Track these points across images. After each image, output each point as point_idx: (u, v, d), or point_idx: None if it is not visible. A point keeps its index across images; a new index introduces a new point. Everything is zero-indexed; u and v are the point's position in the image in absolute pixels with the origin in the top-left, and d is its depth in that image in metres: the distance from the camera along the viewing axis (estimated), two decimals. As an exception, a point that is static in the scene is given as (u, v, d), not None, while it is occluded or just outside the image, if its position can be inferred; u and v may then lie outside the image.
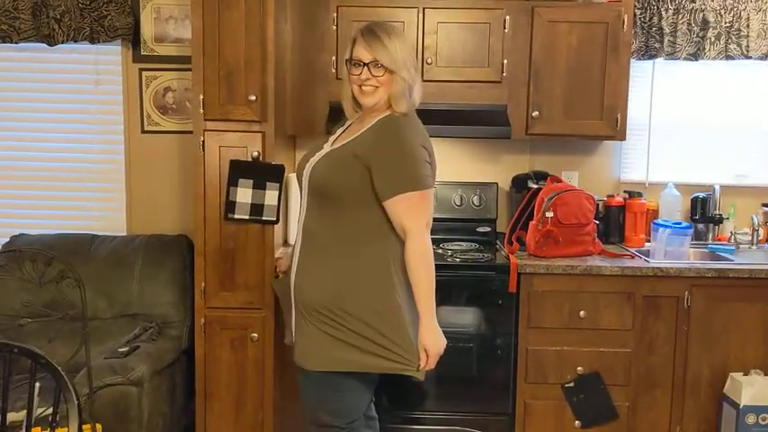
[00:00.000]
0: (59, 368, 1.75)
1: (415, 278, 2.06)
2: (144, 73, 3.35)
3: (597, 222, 3.13)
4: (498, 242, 3.24)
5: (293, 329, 2.25)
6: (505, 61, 3.06)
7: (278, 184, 2.78)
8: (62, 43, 3.23)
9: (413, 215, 2.04)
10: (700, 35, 3.29)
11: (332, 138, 2.28)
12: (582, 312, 2.85)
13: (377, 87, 2.11)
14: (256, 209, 2.75)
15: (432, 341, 2.08)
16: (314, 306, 2.12)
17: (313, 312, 2.12)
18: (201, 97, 2.71)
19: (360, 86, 2.13)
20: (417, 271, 2.05)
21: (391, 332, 2.08)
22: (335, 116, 3.02)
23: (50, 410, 1.82)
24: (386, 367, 2.10)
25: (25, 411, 1.90)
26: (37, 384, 1.96)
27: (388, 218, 2.07)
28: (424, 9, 3.04)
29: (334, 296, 2.09)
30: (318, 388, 2.18)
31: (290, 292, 2.23)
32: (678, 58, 3.31)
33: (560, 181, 3.15)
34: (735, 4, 3.26)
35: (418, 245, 2.05)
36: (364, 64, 2.10)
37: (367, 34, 2.11)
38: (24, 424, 1.86)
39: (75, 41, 3.24)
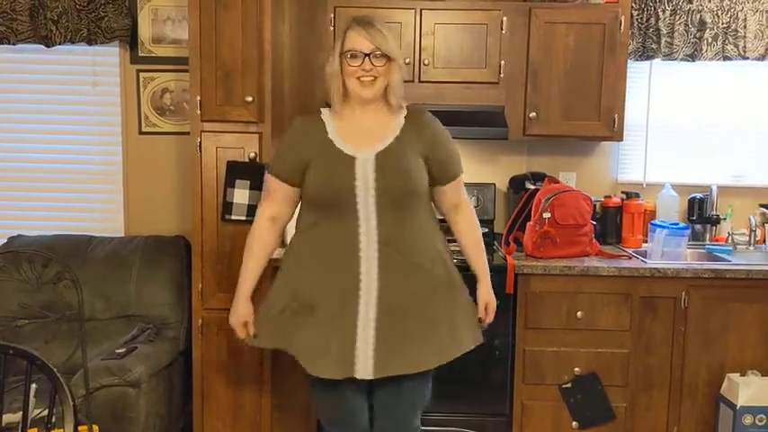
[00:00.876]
0: (54, 369, 1.75)
1: (478, 236, 2.29)
2: (141, 74, 3.35)
3: (594, 223, 3.14)
4: (496, 243, 3.24)
5: (372, 351, 2.06)
6: (503, 62, 3.06)
7: (275, 186, 2.77)
8: (59, 44, 3.23)
9: (464, 190, 2.30)
10: (697, 36, 3.29)
11: (338, 138, 2.11)
12: (579, 313, 2.85)
13: (376, 78, 2.07)
14: (253, 210, 2.73)
15: (492, 297, 2.27)
16: (428, 311, 2.13)
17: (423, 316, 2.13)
18: (198, 98, 2.72)
19: (359, 78, 2.07)
20: (479, 230, 2.30)
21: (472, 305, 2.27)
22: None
23: (46, 412, 1.82)
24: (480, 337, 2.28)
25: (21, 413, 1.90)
26: (33, 386, 1.96)
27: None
28: (421, 10, 3.05)
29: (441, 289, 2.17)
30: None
31: (358, 311, 2.07)
32: (675, 59, 3.32)
33: (557, 182, 3.15)
34: (732, 5, 3.26)
35: (472, 208, 2.31)
36: (365, 54, 2.05)
37: (364, 24, 2.07)
38: (20, 425, 1.86)
39: (73, 43, 3.24)
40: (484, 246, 2.31)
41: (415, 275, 2.11)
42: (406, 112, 2.16)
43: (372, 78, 2.07)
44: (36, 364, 1.76)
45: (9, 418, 2.17)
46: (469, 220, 2.28)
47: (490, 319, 2.27)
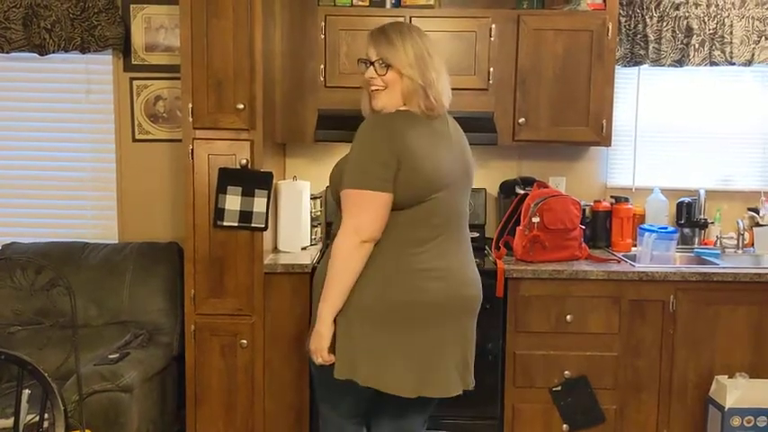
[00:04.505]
0: (46, 374, 1.77)
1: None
2: (135, 82, 3.38)
3: (584, 227, 3.16)
4: (486, 247, 3.27)
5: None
6: (492, 69, 3.09)
7: (266, 192, 2.81)
8: (53, 53, 3.26)
9: (346, 211, 1.96)
10: (684, 42, 3.33)
11: None
12: (569, 316, 2.87)
13: (384, 88, 2.04)
14: (245, 216, 2.78)
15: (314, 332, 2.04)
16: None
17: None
18: (190, 106, 2.75)
19: (369, 88, 2.08)
20: (330, 267, 1.97)
21: None
22: (324, 124, 3.07)
23: (38, 417, 1.84)
24: None
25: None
26: (26, 391, 1.98)
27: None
28: (410, 18, 3.07)
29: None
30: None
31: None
32: (663, 65, 3.35)
33: (547, 186, 3.18)
34: (718, 12, 3.30)
35: (337, 240, 1.96)
36: (370, 63, 2.06)
37: (376, 33, 2.08)
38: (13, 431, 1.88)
39: (67, 51, 3.26)
40: (325, 288, 1.98)
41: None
42: None
43: (380, 88, 2.04)
44: (27, 369, 1.78)
45: (2, 423, 2.20)
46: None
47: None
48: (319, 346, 1.99)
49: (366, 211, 1.92)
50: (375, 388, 1.99)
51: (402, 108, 2.05)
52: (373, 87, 2.06)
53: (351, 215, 1.94)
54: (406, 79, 2.03)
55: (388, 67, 2.03)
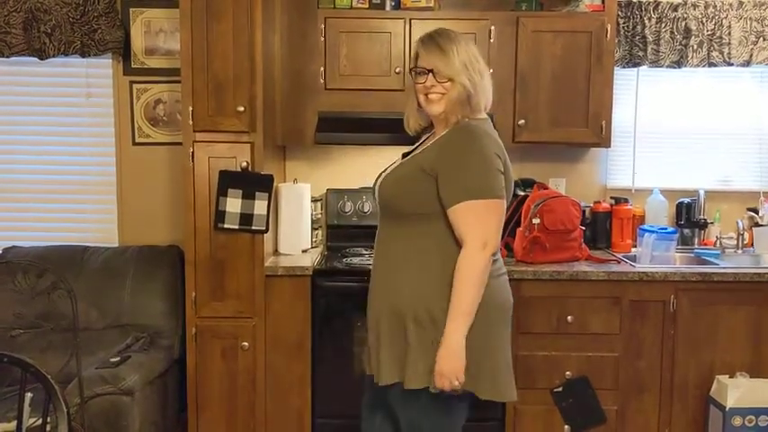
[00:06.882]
0: (49, 377, 1.77)
1: (452, 291, 1.94)
2: (135, 85, 3.38)
3: (584, 228, 3.17)
4: (487, 249, 3.27)
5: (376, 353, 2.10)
6: (491, 71, 3.08)
7: (267, 194, 2.81)
8: (53, 57, 3.26)
9: (470, 226, 1.94)
10: (682, 43, 3.34)
11: (405, 153, 2.21)
12: (569, 317, 2.88)
13: (443, 95, 2.03)
14: (246, 218, 2.79)
15: (441, 361, 1.93)
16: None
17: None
18: (191, 109, 2.76)
19: (426, 95, 2.06)
20: (458, 281, 1.93)
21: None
22: (325, 126, 3.08)
23: (41, 421, 1.84)
24: None
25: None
26: (29, 395, 1.98)
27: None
28: (410, 20, 3.09)
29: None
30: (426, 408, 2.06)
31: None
32: (662, 66, 3.36)
33: (547, 188, 3.19)
34: (716, 13, 3.31)
35: (465, 259, 1.93)
36: (428, 71, 2.03)
37: (426, 41, 2.09)
38: (15, 434, 1.88)
39: (66, 55, 3.27)
40: (456, 298, 1.93)
41: (381, 292, 2.10)
42: (450, 128, 2.06)
43: (440, 95, 2.04)
44: (30, 371, 1.78)
45: (4, 427, 2.20)
46: (457, 266, 1.94)
47: (437, 385, 1.95)
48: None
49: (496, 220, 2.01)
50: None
51: (480, 117, 2.07)
52: (432, 95, 2.05)
53: (480, 226, 1.95)
54: (458, 86, 2.02)
55: (444, 75, 2.02)
